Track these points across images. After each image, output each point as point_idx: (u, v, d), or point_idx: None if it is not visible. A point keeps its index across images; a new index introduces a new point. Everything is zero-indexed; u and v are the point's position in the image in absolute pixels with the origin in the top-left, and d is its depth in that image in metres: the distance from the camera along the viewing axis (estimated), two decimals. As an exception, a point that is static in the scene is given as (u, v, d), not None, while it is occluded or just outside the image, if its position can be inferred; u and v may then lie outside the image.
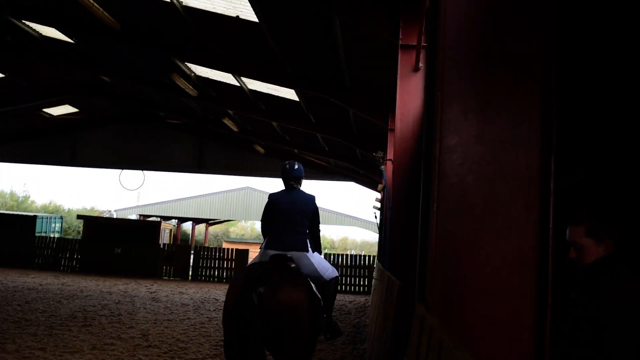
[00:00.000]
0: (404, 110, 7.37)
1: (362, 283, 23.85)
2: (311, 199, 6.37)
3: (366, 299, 20.53)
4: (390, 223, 8.05)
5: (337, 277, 6.32)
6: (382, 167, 11.57)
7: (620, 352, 2.67)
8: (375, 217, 18.91)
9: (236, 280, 5.38)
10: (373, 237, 67.86)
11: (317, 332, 5.66)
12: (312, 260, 5.91)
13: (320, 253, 6.38)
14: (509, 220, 2.40)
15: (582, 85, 3.14)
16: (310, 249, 5.96)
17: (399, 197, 7.50)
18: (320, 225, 6.41)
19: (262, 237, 6.33)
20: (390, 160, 10.26)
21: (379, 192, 19.92)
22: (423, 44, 6.71)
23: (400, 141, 7.42)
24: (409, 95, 7.36)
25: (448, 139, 3.31)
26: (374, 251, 58.74)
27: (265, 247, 5.98)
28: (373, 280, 20.03)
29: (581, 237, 2.99)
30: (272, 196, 6.37)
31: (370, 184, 24.06)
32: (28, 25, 14.63)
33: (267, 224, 6.17)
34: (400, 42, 7.36)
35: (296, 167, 6.54)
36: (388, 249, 8.82)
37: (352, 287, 23.82)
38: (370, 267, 23.68)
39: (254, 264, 5.83)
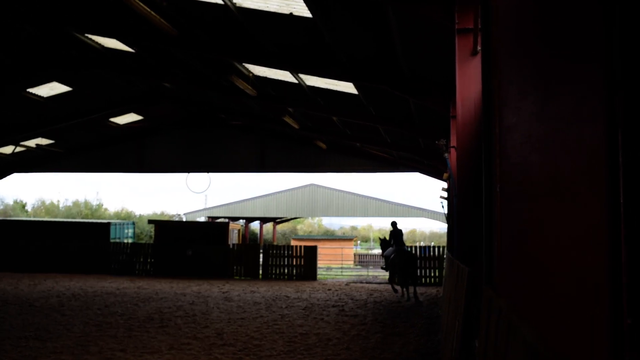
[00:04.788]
0: (465, 95, 7.25)
1: (433, 274, 23.64)
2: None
3: (438, 290, 20.30)
4: (457, 211, 7.94)
5: None
6: (446, 155, 11.41)
7: None
8: (443, 206, 18.64)
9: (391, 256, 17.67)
10: (442, 227, 67.10)
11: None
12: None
13: None
14: (576, 198, 2.32)
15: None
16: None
17: (464, 184, 7.38)
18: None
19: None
20: (453, 147, 10.10)
21: (444, 181, 19.63)
22: (480, 26, 6.56)
23: (462, 127, 7.31)
24: (469, 80, 7.23)
25: (508, 119, 3.24)
26: (444, 242, 58.05)
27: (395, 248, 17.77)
28: (444, 271, 19.81)
29: None
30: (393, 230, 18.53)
31: (436, 173, 23.75)
32: (91, 39, 15.19)
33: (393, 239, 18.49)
34: (456, 27, 7.24)
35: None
36: (456, 237, 8.71)
37: (424, 279, 23.62)
38: (440, 258, 23.44)
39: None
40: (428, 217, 45.56)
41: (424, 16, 8.24)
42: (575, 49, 2.38)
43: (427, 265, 23.73)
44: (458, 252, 7.76)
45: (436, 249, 24.15)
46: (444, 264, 21.34)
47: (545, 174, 2.64)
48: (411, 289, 17.74)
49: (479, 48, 6.92)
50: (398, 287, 18.42)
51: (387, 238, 19.00)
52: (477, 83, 7.07)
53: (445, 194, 19.01)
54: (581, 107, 2.27)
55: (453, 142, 10.38)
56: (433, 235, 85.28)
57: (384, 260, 18.80)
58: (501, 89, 3.55)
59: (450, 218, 15.60)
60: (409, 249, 19.40)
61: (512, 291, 3.01)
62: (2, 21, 13.76)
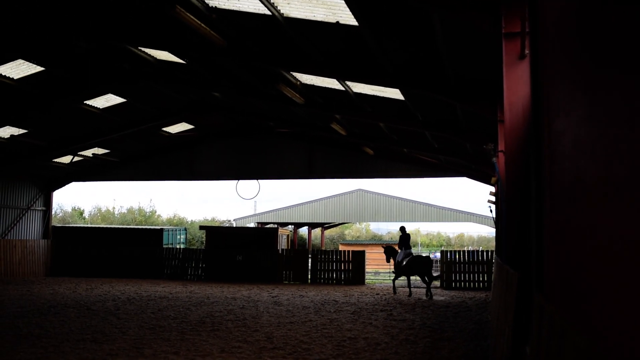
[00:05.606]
0: (513, 99, 7.19)
1: (481, 279, 23.37)
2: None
3: (486, 295, 20.06)
4: (505, 215, 7.87)
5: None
6: (494, 159, 11.31)
7: None
8: (491, 211, 18.48)
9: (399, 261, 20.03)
10: (490, 232, 66.03)
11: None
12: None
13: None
14: (630, 202, 2.32)
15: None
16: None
17: (513, 189, 7.31)
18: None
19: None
20: (501, 151, 10.01)
21: (492, 185, 19.40)
22: (527, 30, 6.52)
23: (510, 131, 7.24)
24: (517, 84, 7.17)
25: (557, 123, 3.24)
26: (492, 246, 57.04)
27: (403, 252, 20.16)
28: (492, 276, 19.63)
29: None
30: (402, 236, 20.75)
31: (483, 178, 23.47)
32: (143, 51, 15.63)
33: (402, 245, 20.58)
34: (503, 31, 7.19)
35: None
36: (505, 242, 8.62)
37: (472, 284, 23.39)
38: (489, 263, 23.16)
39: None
40: (476, 222, 44.98)
41: (469, 22, 8.22)
42: (628, 50, 2.38)
43: (475, 270, 23.49)
44: (507, 257, 7.68)
45: (484, 253, 23.89)
46: (493, 268, 21.09)
47: (596, 178, 2.64)
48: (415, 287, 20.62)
49: (526, 52, 6.86)
50: (411, 289, 20.46)
51: (398, 242, 21.34)
52: (525, 87, 7.01)
53: (493, 198, 18.82)
54: (633, 110, 2.27)
55: (501, 146, 10.28)
56: (481, 240, 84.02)
57: (395, 264, 20.46)
58: (550, 92, 3.54)
59: (498, 222, 15.43)
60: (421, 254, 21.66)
61: (563, 297, 3.01)
62: (60, 38, 14.31)
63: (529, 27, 6.25)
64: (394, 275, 21.00)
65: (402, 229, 21.31)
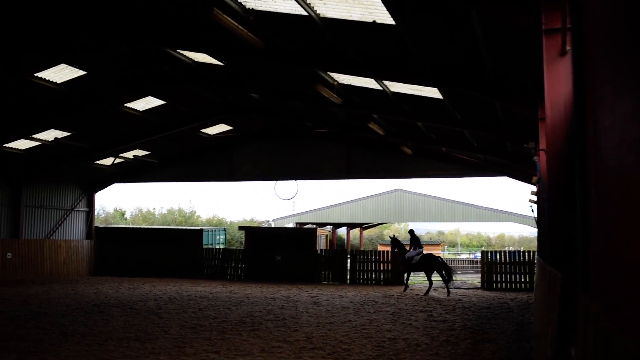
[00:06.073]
0: (554, 96, 7.05)
1: (523, 280, 23.02)
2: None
3: (529, 296, 19.75)
4: (548, 215, 7.73)
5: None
6: (535, 158, 11.12)
7: None
8: (532, 210, 18.23)
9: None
10: (531, 232, 64.96)
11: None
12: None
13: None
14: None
15: None
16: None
17: (555, 188, 7.17)
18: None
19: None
20: (543, 150, 9.83)
21: (534, 184, 19.09)
22: (568, 25, 6.38)
23: (552, 129, 7.10)
24: (558, 81, 7.03)
25: (602, 120, 3.16)
26: (534, 246, 56.13)
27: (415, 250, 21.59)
28: (535, 276, 19.35)
29: None
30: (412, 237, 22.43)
31: (524, 177, 23.09)
32: (182, 54, 15.85)
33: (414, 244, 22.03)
34: (543, 27, 7.06)
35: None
36: (547, 242, 8.47)
37: (513, 285, 23.06)
38: (530, 263, 22.81)
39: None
40: (517, 222, 44.34)
41: (508, 18, 8.09)
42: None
43: (517, 271, 23.15)
44: (550, 258, 7.54)
45: (526, 253, 23.53)
46: (535, 269, 20.76)
47: (643, 177, 2.57)
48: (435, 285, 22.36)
49: (567, 48, 6.71)
50: (434, 288, 21.68)
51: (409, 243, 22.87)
52: (567, 84, 6.86)
53: (534, 198, 18.52)
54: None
55: (542, 144, 10.10)
56: (523, 240, 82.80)
57: (406, 261, 21.92)
58: (594, 89, 3.46)
59: (540, 222, 15.17)
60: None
61: (610, 298, 2.94)
62: (102, 42, 14.62)
63: (570, 22, 6.12)
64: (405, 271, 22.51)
65: (411, 232, 22.92)
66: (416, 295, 20.21)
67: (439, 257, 22.10)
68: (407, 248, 22.47)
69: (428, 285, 21.39)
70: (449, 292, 20.57)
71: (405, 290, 21.72)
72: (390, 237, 24.45)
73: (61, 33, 13.95)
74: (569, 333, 4.82)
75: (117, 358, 9.05)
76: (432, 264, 21.18)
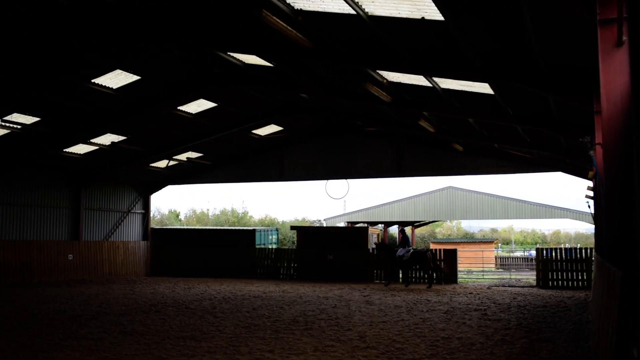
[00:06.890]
0: (610, 88, 6.86)
1: (580, 277, 22.47)
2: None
3: (586, 294, 19.27)
4: (605, 211, 7.53)
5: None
6: (591, 152, 10.85)
7: None
8: (589, 206, 17.78)
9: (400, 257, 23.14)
10: (588, 228, 63.28)
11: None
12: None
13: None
14: None
15: None
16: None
17: (612, 183, 6.98)
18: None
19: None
20: (599, 144, 9.57)
21: (590, 180, 18.61)
22: (624, 15, 6.20)
23: (608, 122, 6.92)
24: (614, 73, 6.83)
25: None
26: (590, 243, 54.61)
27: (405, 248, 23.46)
28: (592, 274, 18.85)
29: None
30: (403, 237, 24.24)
31: (580, 172, 22.51)
32: (232, 56, 16.09)
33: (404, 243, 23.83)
34: (598, 17, 6.88)
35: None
36: (605, 239, 8.25)
37: (570, 282, 22.55)
38: (588, 261, 22.26)
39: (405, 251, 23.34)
40: (573, 218, 43.26)
41: (561, 8, 7.91)
42: None
43: (574, 268, 22.61)
44: (608, 254, 7.35)
45: (582, 250, 22.96)
46: (592, 266, 20.23)
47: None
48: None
49: (624, 38, 6.53)
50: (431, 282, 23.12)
51: (398, 242, 25.24)
52: (624, 75, 6.67)
53: (591, 193, 18.05)
54: None
55: (598, 138, 9.84)
56: (579, 237, 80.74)
57: (397, 259, 23.47)
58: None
59: (597, 218, 14.78)
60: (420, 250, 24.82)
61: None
62: (154, 47, 14.99)
63: (626, 12, 5.96)
64: (395, 268, 24.43)
65: (402, 231, 25.27)
66: (470, 294, 19.96)
67: (428, 253, 23.37)
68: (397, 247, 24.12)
69: (428, 280, 23.14)
70: (430, 285, 22.45)
71: (406, 285, 23.29)
72: (375, 243, 26.72)
73: (115, 39, 14.37)
74: (630, 332, 4.69)
75: (174, 357, 9.26)
76: (421, 260, 22.89)
